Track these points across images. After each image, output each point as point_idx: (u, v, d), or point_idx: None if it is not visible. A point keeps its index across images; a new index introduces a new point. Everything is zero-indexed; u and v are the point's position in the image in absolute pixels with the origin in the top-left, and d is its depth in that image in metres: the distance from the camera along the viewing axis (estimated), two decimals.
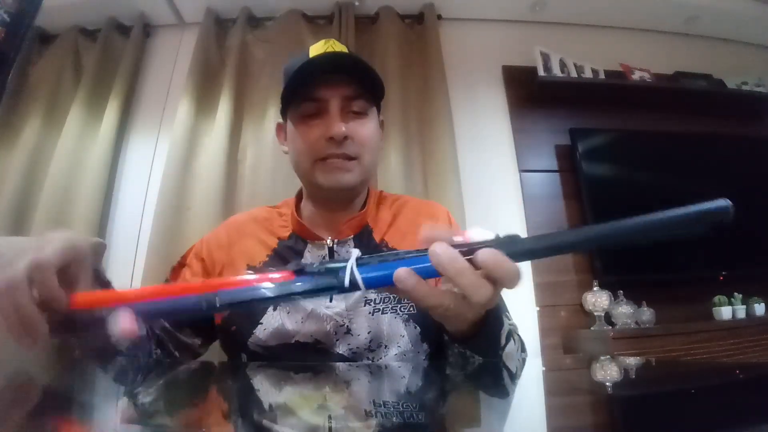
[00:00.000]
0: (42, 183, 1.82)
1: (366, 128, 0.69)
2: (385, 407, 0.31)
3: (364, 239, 0.72)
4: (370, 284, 0.34)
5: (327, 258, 0.70)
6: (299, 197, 0.78)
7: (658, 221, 0.32)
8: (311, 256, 0.71)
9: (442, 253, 0.33)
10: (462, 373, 0.49)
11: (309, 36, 2.07)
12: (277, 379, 0.47)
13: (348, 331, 0.65)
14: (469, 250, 0.34)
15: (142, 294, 0.35)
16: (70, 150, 1.85)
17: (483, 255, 0.33)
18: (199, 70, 1.97)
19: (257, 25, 2.14)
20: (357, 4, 2.08)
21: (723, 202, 0.32)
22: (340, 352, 0.65)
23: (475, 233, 0.36)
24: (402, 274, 0.33)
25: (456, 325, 0.44)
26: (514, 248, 0.34)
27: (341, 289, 0.34)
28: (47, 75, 2.06)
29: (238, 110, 1.93)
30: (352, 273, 0.33)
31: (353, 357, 0.65)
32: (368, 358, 0.65)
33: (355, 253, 0.35)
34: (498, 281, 0.34)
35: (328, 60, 0.66)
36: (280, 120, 0.77)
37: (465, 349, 0.51)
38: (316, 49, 0.69)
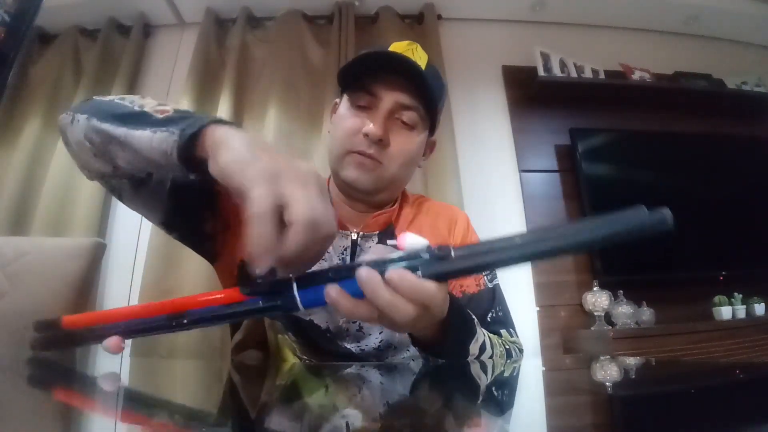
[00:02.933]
0: (42, 183, 1.82)
1: (405, 141, 0.66)
2: (397, 407, 0.31)
3: (387, 236, 0.71)
4: (307, 304, 0.35)
5: (348, 250, 0.68)
6: (328, 181, 0.76)
7: (594, 238, 0.31)
8: (332, 247, 0.68)
9: (361, 274, 0.33)
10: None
11: (309, 36, 2.07)
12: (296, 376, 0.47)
13: (360, 329, 0.65)
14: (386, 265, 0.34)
15: (123, 314, 0.39)
16: None
17: (390, 276, 0.33)
18: (199, 70, 1.97)
19: (257, 25, 2.14)
20: (357, 4, 2.08)
21: (661, 216, 0.30)
22: (349, 347, 0.65)
23: (409, 240, 0.36)
24: (330, 292, 0.34)
25: (415, 334, 0.45)
26: (432, 269, 0.34)
27: (284, 310, 0.36)
28: (47, 75, 2.06)
29: (238, 110, 1.93)
30: (293, 296, 0.35)
31: (361, 355, 0.65)
32: (376, 359, 0.65)
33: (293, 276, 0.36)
34: (414, 302, 0.34)
35: (399, 60, 0.63)
36: (337, 99, 0.74)
37: (426, 353, 0.50)
38: (397, 46, 0.66)
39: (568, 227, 0.32)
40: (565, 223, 0.33)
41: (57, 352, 0.46)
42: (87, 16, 2.12)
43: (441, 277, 0.35)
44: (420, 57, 0.66)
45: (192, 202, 0.62)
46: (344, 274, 0.35)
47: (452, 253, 0.34)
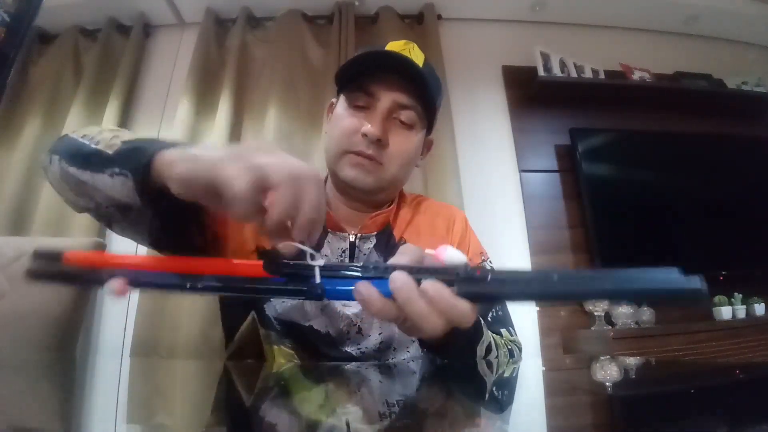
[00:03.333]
0: (42, 183, 1.82)
1: (404, 141, 0.66)
2: (397, 407, 0.31)
3: (385, 237, 0.71)
4: (331, 295, 0.34)
5: (347, 252, 0.68)
6: (325, 179, 0.75)
7: (634, 291, 0.31)
8: (330, 249, 0.68)
9: (397, 278, 0.33)
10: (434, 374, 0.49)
11: (309, 36, 2.07)
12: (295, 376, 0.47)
13: (359, 331, 0.65)
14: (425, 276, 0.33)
15: (133, 262, 0.37)
16: None
17: (425, 286, 0.33)
18: (199, 70, 1.96)
19: (257, 25, 2.14)
20: (357, 4, 2.08)
21: (696, 284, 0.30)
22: (349, 350, 0.65)
23: (448, 254, 0.36)
24: (361, 288, 0.33)
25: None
26: (468, 288, 0.33)
27: (308, 296, 0.34)
28: (47, 75, 2.06)
29: (238, 110, 1.93)
30: (319, 284, 0.34)
31: (361, 357, 0.65)
32: (376, 360, 0.65)
33: (319, 261, 0.34)
34: (445, 317, 0.33)
35: (397, 60, 0.63)
36: (333, 99, 0.74)
37: (433, 354, 0.50)
38: (394, 46, 0.66)
39: (604, 273, 0.32)
40: (600, 270, 0.32)
41: (53, 285, 0.44)
42: (87, 16, 2.12)
43: (474, 298, 0.34)
44: (417, 56, 0.66)
45: (179, 218, 0.62)
46: (373, 273, 0.34)
47: (489, 277, 0.33)
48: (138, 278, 0.35)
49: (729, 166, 2.10)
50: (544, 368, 0.66)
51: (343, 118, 0.66)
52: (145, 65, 2.12)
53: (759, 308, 1.84)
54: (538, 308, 1.85)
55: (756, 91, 2.22)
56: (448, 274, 0.33)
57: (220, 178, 0.32)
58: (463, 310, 0.33)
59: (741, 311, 1.82)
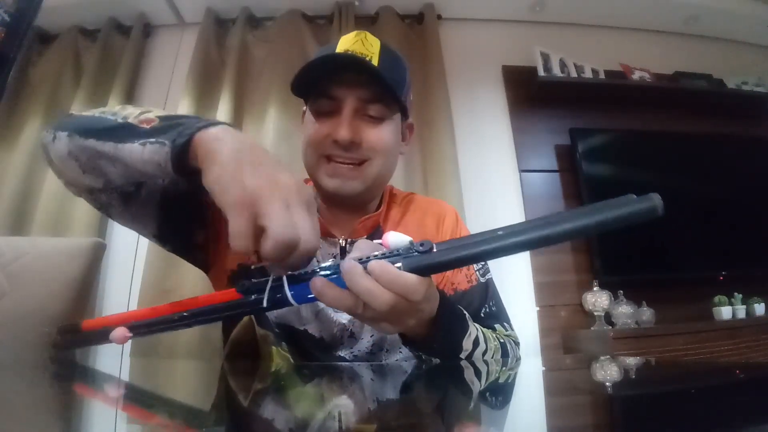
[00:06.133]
0: (42, 183, 1.82)
1: (379, 134, 0.64)
2: (388, 404, 0.31)
3: (376, 239, 0.71)
4: (298, 299, 0.38)
5: (338, 257, 0.68)
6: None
7: (578, 227, 0.32)
8: (321, 255, 0.67)
9: (344, 264, 0.37)
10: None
11: (309, 36, 2.07)
12: (289, 376, 0.47)
13: (352, 335, 0.65)
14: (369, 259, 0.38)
15: (135, 315, 0.44)
16: None
17: (370, 265, 0.36)
18: (199, 70, 1.97)
19: (257, 25, 2.14)
20: (357, 4, 2.08)
21: (650, 202, 0.30)
22: (342, 354, 0.65)
23: (391, 238, 0.39)
24: (315, 282, 0.37)
25: (407, 333, 0.46)
26: (413, 262, 0.37)
27: (278, 304, 0.39)
28: (47, 75, 2.06)
29: (238, 110, 1.93)
30: (284, 292, 0.38)
31: (354, 360, 0.65)
32: (368, 361, 0.65)
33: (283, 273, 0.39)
34: (392, 290, 0.36)
35: (349, 59, 0.61)
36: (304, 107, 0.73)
37: (418, 352, 0.50)
38: (345, 41, 0.64)
39: (553, 217, 0.33)
40: (553, 213, 0.34)
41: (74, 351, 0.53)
42: (87, 16, 2.12)
43: (423, 271, 0.37)
44: (371, 44, 0.64)
45: (182, 215, 0.62)
46: (332, 271, 0.38)
47: (434, 248, 0.37)
48: (136, 325, 0.43)
49: (729, 166, 2.10)
50: (544, 368, 0.66)
51: (312, 128, 0.65)
52: (145, 65, 2.13)
53: (759, 308, 1.84)
54: (538, 308, 1.85)
55: (756, 91, 2.22)
56: (392, 254, 0.37)
57: (228, 216, 0.36)
58: (409, 280, 0.37)
59: (741, 311, 1.82)
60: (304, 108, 0.71)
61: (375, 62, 0.61)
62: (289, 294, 0.38)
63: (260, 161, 0.39)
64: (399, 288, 0.36)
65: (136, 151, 0.44)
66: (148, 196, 0.57)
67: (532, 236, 0.33)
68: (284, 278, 0.38)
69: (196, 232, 0.65)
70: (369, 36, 0.65)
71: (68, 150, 0.49)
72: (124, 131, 0.46)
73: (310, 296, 0.37)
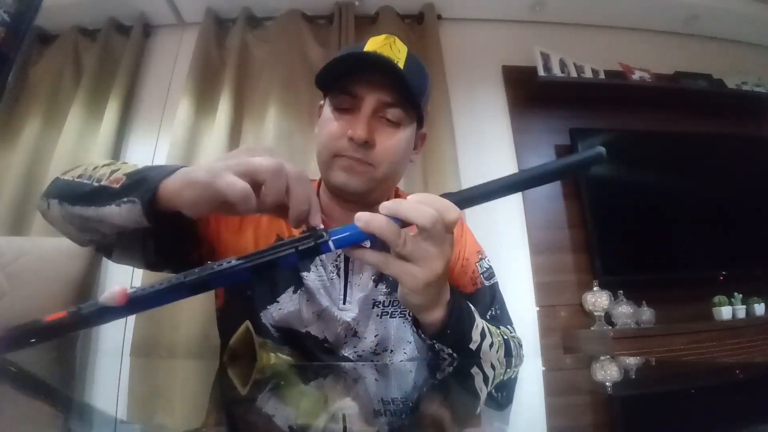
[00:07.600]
0: (42, 183, 1.82)
1: (393, 139, 0.64)
2: (393, 405, 0.31)
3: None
4: (338, 244, 0.41)
5: (342, 257, 0.68)
6: (319, 183, 0.74)
7: (552, 170, 0.45)
8: (326, 255, 0.67)
9: (360, 213, 0.42)
10: (435, 377, 0.49)
11: (309, 36, 2.07)
12: (291, 376, 0.47)
13: (355, 334, 0.65)
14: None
15: None
16: (70, 150, 1.85)
17: (413, 195, 0.44)
18: (199, 70, 1.96)
19: (257, 25, 2.14)
20: (357, 4, 2.08)
21: (597, 151, 0.45)
22: (346, 354, 0.65)
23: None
24: (363, 215, 0.41)
25: (425, 316, 0.49)
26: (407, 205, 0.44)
27: (317, 251, 0.41)
28: (47, 75, 2.06)
29: (238, 110, 1.93)
30: (329, 236, 0.41)
31: (358, 360, 0.65)
32: (373, 361, 0.65)
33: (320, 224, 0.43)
34: (433, 205, 0.43)
35: (377, 58, 0.61)
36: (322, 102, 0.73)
37: (432, 341, 0.52)
38: (374, 42, 0.65)
39: (535, 168, 0.45)
40: (533, 167, 0.46)
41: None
42: (87, 16, 2.12)
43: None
44: (399, 49, 0.64)
45: (174, 236, 0.62)
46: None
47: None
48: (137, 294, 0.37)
49: (729, 166, 2.10)
50: (544, 368, 0.66)
51: (329, 123, 0.65)
52: (145, 65, 2.12)
53: (759, 308, 1.84)
54: (538, 308, 1.85)
55: (756, 91, 2.22)
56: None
57: (220, 190, 0.39)
58: (446, 201, 0.44)
59: (741, 311, 1.82)
60: (322, 102, 0.71)
61: (401, 67, 0.62)
62: (330, 239, 0.40)
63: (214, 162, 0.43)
64: (439, 204, 0.43)
65: (114, 211, 0.47)
66: (135, 233, 0.57)
67: (520, 178, 0.46)
68: (321, 225, 0.42)
69: (190, 252, 0.65)
70: (398, 41, 0.66)
71: (62, 216, 0.53)
72: (100, 195, 0.49)
73: (348, 238, 0.41)
